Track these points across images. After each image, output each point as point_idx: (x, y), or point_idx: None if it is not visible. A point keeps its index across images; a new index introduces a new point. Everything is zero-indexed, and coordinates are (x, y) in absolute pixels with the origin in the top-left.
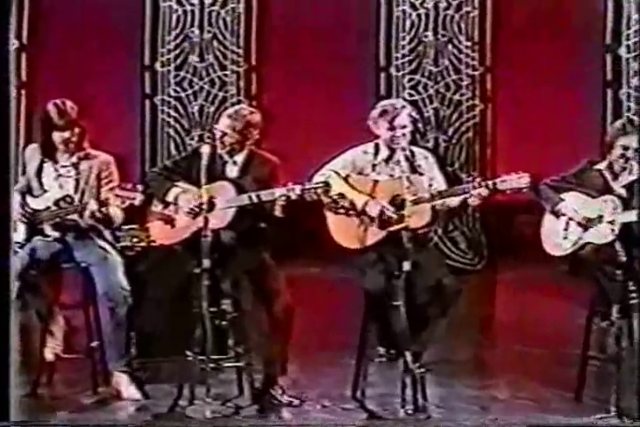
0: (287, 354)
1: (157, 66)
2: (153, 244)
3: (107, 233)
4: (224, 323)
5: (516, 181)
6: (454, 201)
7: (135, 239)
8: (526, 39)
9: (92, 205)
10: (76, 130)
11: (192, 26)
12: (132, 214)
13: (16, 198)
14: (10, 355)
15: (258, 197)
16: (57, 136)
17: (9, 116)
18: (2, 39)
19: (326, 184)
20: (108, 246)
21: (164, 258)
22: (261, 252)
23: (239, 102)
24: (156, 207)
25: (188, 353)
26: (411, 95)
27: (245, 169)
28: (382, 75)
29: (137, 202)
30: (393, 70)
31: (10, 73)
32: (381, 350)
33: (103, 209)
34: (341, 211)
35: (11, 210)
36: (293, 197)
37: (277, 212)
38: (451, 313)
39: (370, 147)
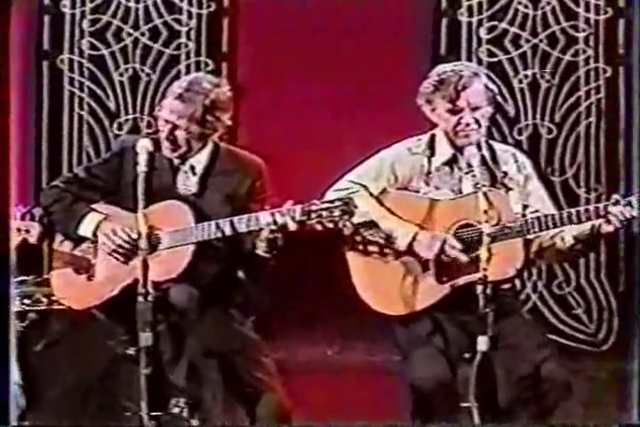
0: None
1: (64, 6)
2: (57, 307)
3: None
4: None
5: None
6: (566, 234)
7: (28, 300)
8: None
9: None
10: None
11: None
12: (24, 257)
13: None
14: (9, 357)
15: (232, 226)
16: None
17: (8, 121)
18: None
19: (347, 204)
20: None
21: (77, 331)
22: (238, 321)
23: (199, 67)
24: (62, 245)
25: None
26: (490, 55)
27: (209, 178)
28: (443, 21)
29: (32, 238)
30: (462, 14)
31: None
32: None
33: None
34: (374, 250)
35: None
36: (291, 226)
37: (264, 251)
38: (555, 419)
39: (421, 142)
